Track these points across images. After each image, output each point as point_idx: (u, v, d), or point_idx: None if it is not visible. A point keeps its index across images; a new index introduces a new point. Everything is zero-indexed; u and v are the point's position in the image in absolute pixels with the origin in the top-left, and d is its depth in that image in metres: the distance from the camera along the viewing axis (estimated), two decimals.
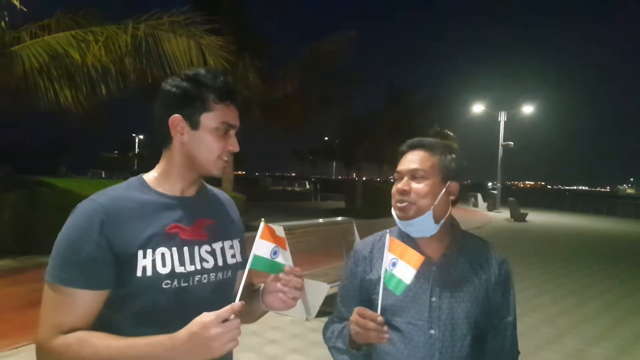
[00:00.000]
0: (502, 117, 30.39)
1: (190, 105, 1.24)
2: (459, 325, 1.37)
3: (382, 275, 1.25)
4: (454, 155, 1.45)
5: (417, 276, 1.30)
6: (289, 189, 44.40)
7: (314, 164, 42.37)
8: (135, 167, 48.03)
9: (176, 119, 1.24)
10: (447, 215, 1.43)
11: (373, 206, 19.13)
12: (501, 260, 1.47)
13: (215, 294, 1.25)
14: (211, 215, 1.34)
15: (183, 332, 1.03)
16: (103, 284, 1.13)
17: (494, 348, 1.43)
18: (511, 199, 23.92)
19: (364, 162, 23.77)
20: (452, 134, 28.36)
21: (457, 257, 1.44)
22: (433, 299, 1.39)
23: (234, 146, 1.29)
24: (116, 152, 64.35)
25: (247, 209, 13.69)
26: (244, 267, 1.19)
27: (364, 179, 26.44)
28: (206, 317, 1.02)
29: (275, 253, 1.20)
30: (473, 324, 1.38)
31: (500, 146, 29.87)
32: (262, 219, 1.19)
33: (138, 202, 1.21)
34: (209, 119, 1.24)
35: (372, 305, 1.36)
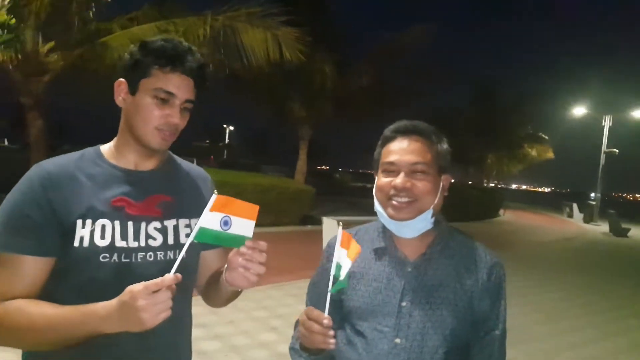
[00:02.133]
0: (607, 122, 27.53)
1: (133, 69, 1.19)
2: (431, 336, 1.20)
3: (331, 273, 1.11)
4: (447, 145, 1.30)
5: (389, 277, 1.25)
6: (369, 186, 43.84)
7: None
8: (225, 157, 50.51)
9: (120, 84, 1.22)
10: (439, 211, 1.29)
11: (450, 208, 18.28)
12: (492, 264, 1.28)
13: (163, 273, 1.11)
14: (170, 192, 1.29)
15: (115, 301, 1.01)
16: (47, 250, 1.11)
17: None
18: (611, 211, 21.63)
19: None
20: (546, 137, 26.33)
21: (439, 257, 1.28)
22: (403, 304, 1.23)
23: (172, 117, 1.20)
24: (207, 141, 68.06)
25: (317, 203, 13.74)
26: (203, 248, 1.17)
27: None
28: (135, 287, 0.98)
29: (226, 223, 1.08)
30: (449, 336, 1.20)
31: (602, 153, 27.14)
32: (215, 191, 1.09)
33: (86, 173, 1.19)
34: (146, 85, 1.19)
35: (340, 306, 1.30)
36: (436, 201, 1.26)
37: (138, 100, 1.19)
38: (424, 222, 1.26)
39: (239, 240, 1.11)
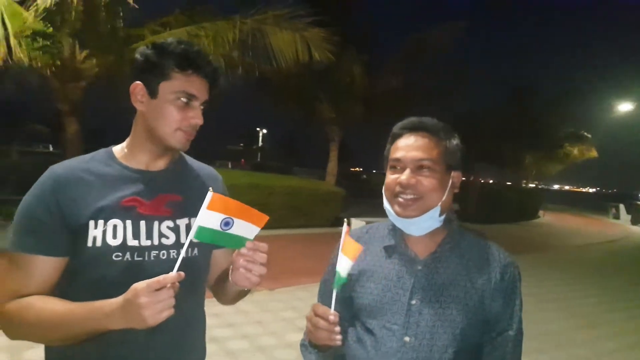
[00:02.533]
0: None
1: (150, 72, 1.21)
2: (440, 335, 1.18)
3: (336, 270, 1.14)
4: (457, 140, 1.27)
5: (399, 275, 1.25)
6: None
7: None
8: (259, 160, 51.20)
9: (136, 86, 1.22)
10: (448, 209, 1.26)
11: (488, 210, 17.81)
12: (506, 264, 1.25)
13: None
14: (179, 191, 1.30)
15: (120, 298, 1.02)
16: (57, 250, 1.15)
17: None
18: None
19: (481, 163, 22.25)
20: (589, 135, 25.35)
21: (450, 256, 1.26)
22: (413, 302, 1.21)
23: (195, 118, 1.23)
24: (241, 144, 69.19)
25: (348, 205, 13.67)
26: (215, 247, 1.19)
27: (481, 181, 24.79)
28: (138, 284, 0.99)
29: (227, 224, 1.09)
30: (458, 335, 1.18)
31: None
32: (210, 188, 1.07)
33: (97, 174, 1.22)
34: (168, 88, 1.20)
35: (350, 304, 1.30)
36: (444, 198, 1.23)
37: (159, 103, 1.21)
38: (431, 219, 1.23)
39: (239, 242, 1.12)
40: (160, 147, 1.26)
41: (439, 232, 1.28)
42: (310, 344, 1.28)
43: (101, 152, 1.28)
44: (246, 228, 1.11)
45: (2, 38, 5.11)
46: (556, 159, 27.87)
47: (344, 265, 1.13)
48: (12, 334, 1.15)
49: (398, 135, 1.28)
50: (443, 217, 1.26)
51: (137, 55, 1.24)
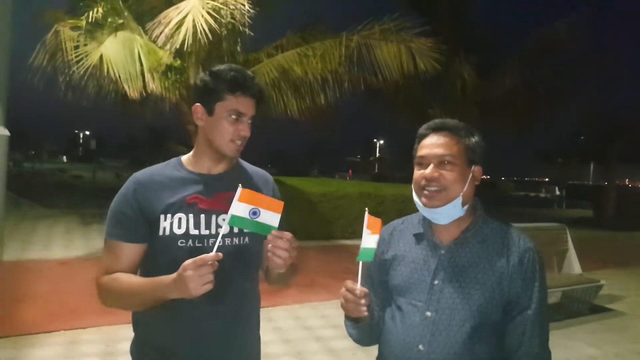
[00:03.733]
0: None
1: (208, 95, 1.48)
2: (459, 311, 1.33)
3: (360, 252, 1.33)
4: (477, 138, 1.41)
5: (425, 259, 1.41)
6: (533, 194, 40.50)
7: (564, 167, 37.27)
8: (376, 170, 51.33)
9: (197, 108, 1.51)
10: (471, 200, 1.41)
11: (629, 216, 15.75)
12: (525, 249, 1.37)
13: (230, 256, 1.41)
14: (235, 190, 1.47)
15: (175, 274, 1.27)
16: (138, 238, 1.46)
17: (511, 342, 1.34)
18: None
19: (623, 164, 19.69)
20: None
21: (472, 241, 1.40)
22: (436, 282, 1.38)
23: (244, 131, 1.50)
24: (359, 156, 70.14)
25: None
26: (265, 236, 1.35)
27: (620, 183, 21.88)
28: (187, 262, 1.23)
29: (254, 213, 1.32)
30: (476, 312, 1.32)
31: None
32: (240, 184, 1.32)
33: (168, 177, 1.52)
34: (222, 107, 1.47)
35: (387, 286, 1.48)
36: (465, 189, 1.37)
37: (215, 120, 1.48)
38: (454, 209, 1.38)
39: (266, 229, 1.34)
40: (217, 155, 1.53)
41: (464, 220, 1.42)
42: (345, 317, 1.46)
43: (173, 161, 1.59)
44: (271, 216, 1.34)
45: (138, 73, 5.99)
46: None
47: (369, 240, 1.33)
48: (105, 302, 1.48)
49: (424, 136, 1.44)
50: (466, 206, 1.40)
51: (197, 82, 1.53)
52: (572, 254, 6.12)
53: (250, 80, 1.49)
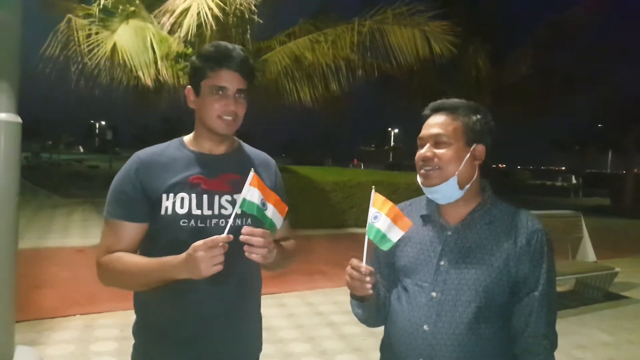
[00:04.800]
0: None
1: (195, 76, 1.48)
2: (464, 291, 1.33)
3: (367, 229, 1.32)
4: (479, 116, 1.39)
5: (431, 240, 1.41)
6: (549, 183, 39.94)
7: (581, 156, 36.58)
8: (390, 159, 51.07)
9: (188, 90, 1.51)
10: (473, 179, 1.38)
11: None
12: (533, 230, 1.35)
13: (233, 237, 1.39)
14: (238, 172, 1.50)
15: (184, 254, 1.27)
16: (139, 217, 1.44)
17: (517, 323, 1.34)
18: None
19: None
20: None
21: (479, 222, 1.39)
22: (442, 263, 1.37)
23: (229, 105, 1.44)
24: (373, 145, 69.79)
25: None
26: (262, 223, 1.35)
27: (638, 172, 21.43)
28: (197, 242, 1.24)
29: (264, 205, 1.34)
30: (481, 292, 1.31)
31: None
32: (252, 168, 1.34)
33: (170, 157, 1.51)
34: (205, 85, 1.45)
35: (393, 267, 1.48)
36: (461, 168, 1.35)
37: (202, 99, 1.47)
38: (451, 188, 1.36)
39: (272, 226, 1.35)
40: (213, 134, 1.50)
41: (472, 202, 1.41)
42: (351, 296, 1.46)
43: (175, 141, 1.57)
44: (277, 217, 1.35)
45: (152, 61, 6.00)
46: None
47: (394, 234, 1.32)
48: (105, 281, 1.47)
49: (426, 117, 1.45)
50: (467, 187, 1.38)
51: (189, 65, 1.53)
52: (586, 241, 6.06)
53: (229, 53, 1.44)
